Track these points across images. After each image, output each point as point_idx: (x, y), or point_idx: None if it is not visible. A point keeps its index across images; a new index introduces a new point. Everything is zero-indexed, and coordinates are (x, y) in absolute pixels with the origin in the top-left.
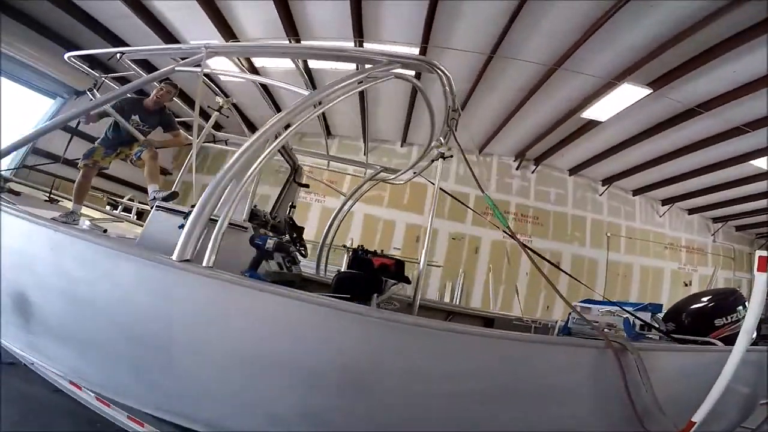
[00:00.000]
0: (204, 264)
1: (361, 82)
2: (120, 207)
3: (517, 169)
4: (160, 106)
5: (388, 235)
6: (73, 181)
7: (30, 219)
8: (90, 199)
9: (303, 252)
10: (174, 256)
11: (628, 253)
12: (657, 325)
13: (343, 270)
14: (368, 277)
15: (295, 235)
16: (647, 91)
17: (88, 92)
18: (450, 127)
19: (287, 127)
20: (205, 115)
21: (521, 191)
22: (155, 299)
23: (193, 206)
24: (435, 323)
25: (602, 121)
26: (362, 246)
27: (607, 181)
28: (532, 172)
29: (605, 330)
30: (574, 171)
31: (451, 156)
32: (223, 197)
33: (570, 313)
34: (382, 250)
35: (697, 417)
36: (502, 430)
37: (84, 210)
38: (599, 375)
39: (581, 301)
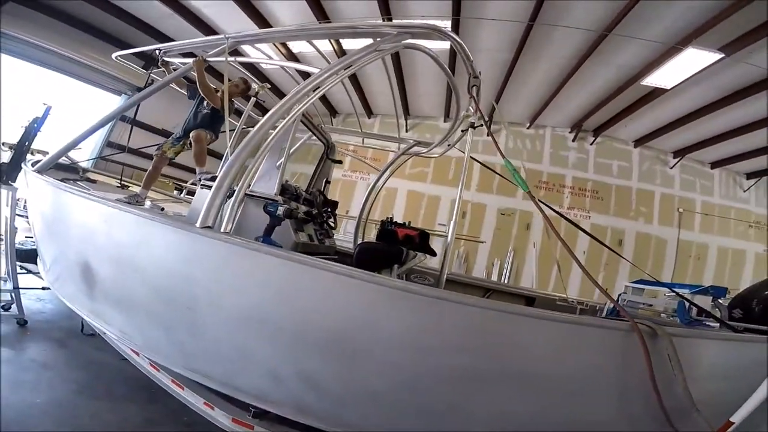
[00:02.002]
0: (222, 230)
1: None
2: (184, 190)
3: (573, 140)
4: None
5: (432, 211)
6: (141, 169)
7: (89, 197)
8: (160, 185)
9: (333, 225)
10: (197, 224)
11: (703, 232)
12: (715, 312)
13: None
14: (388, 247)
15: (327, 209)
16: (718, 55)
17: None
18: (471, 94)
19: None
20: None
21: (578, 164)
22: (182, 262)
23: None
24: (426, 290)
25: (668, 89)
26: (390, 218)
27: (680, 153)
28: (591, 144)
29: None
30: (640, 142)
31: (482, 125)
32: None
33: (620, 295)
34: (409, 222)
35: (737, 417)
36: (495, 412)
37: (152, 194)
38: (621, 362)
39: (633, 282)
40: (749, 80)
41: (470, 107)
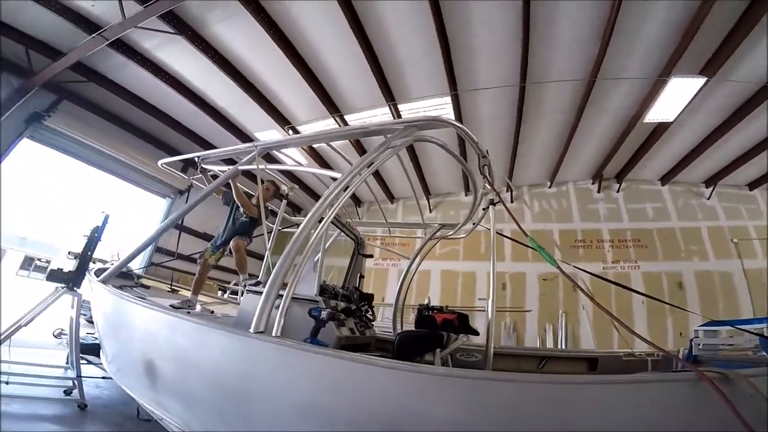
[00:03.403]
0: (273, 334)
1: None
2: (228, 291)
3: (599, 191)
4: (256, 202)
5: (469, 288)
6: (186, 273)
7: (152, 307)
8: (206, 287)
9: (371, 317)
10: (251, 329)
11: None
12: None
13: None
14: (426, 334)
15: (363, 303)
16: (701, 79)
17: (186, 191)
18: (483, 174)
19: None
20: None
21: (610, 215)
22: (237, 362)
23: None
24: (467, 372)
25: (671, 121)
26: (427, 303)
27: (711, 181)
28: (618, 191)
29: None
30: (666, 179)
31: (501, 200)
32: (291, 277)
33: (692, 339)
34: (446, 306)
35: None
36: None
37: (202, 297)
38: (699, 416)
39: (702, 325)
40: (747, 94)
41: (485, 185)
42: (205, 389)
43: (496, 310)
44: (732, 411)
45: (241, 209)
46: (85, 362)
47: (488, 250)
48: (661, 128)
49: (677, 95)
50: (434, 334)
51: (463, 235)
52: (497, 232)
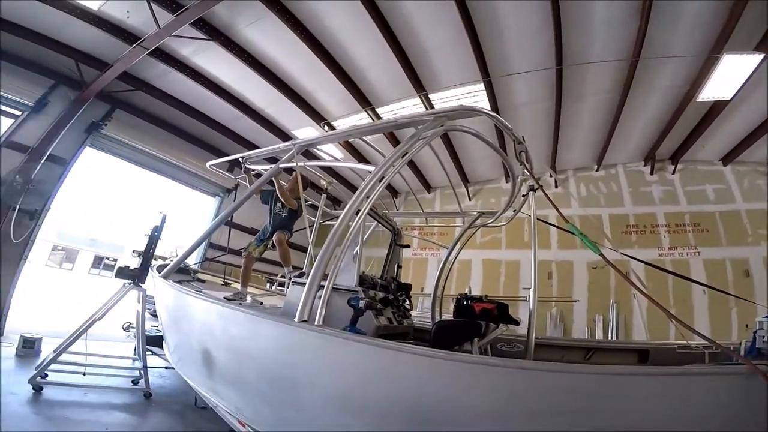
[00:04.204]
0: (316, 323)
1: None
2: (275, 284)
3: (652, 173)
4: (295, 195)
5: (513, 277)
6: (237, 266)
7: (208, 299)
8: (255, 280)
9: (408, 306)
10: (296, 318)
11: None
12: None
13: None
14: (464, 323)
15: (401, 293)
16: (757, 56)
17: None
18: (521, 161)
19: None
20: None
21: (666, 198)
22: (284, 351)
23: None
24: (502, 361)
25: (729, 99)
26: (466, 293)
27: None
28: (673, 173)
29: None
30: (728, 159)
31: (541, 186)
32: (331, 268)
33: (755, 331)
34: (486, 296)
35: None
36: None
37: (250, 289)
38: (748, 413)
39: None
40: None
41: (524, 171)
42: (256, 377)
43: (541, 300)
44: None
45: (279, 204)
46: (150, 353)
47: (532, 237)
48: (718, 106)
49: (732, 72)
50: (472, 323)
51: (504, 223)
52: (539, 219)
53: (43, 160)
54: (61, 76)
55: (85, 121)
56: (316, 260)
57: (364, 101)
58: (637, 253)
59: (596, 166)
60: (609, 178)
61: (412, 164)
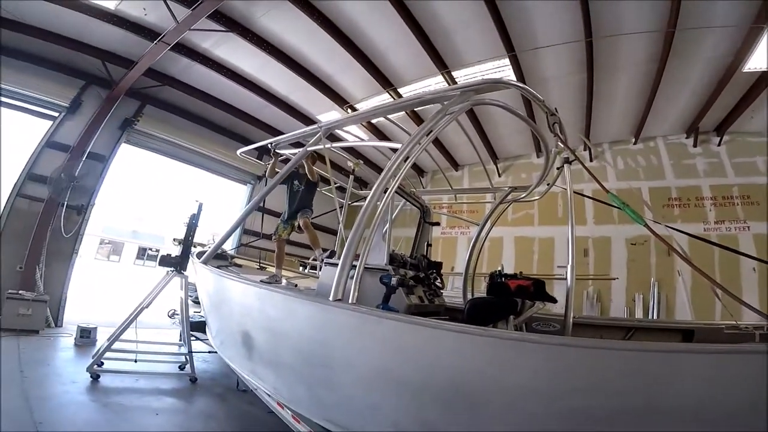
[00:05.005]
0: (350, 301)
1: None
2: (308, 266)
3: (695, 145)
4: (304, 171)
5: (547, 254)
6: (271, 251)
7: (246, 282)
8: (288, 263)
9: (439, 285)
10: (330, 297)
11: None
12: None
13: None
14: (499, 300)
15: (431, 271)
16: None
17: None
18: (554, 132)
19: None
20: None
21: (711, 170)
22: (319, 330)
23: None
24: (541, 338)
25: None
26: (499, 271)
27: None
28: (719, 145)
29: None
30: None
31: (577, 158)
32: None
33: None
34: (521, 272)
35: None
36: None
37: (285, 272)
38: None
39: None
40: None
41: (558, 143)
42: (293, 357)
43: (577, 278)
44: None
45: (296, 182)
46: (195, 338)
47: (566, 213)
48: (766, 76)
49: None
50: (507, 300)
51: (537, 198)
52: (576, 192)
53: (84, 158)
54: (91, 76)
55: (118, 118)
56: (348, 240)
57: (386, 83)
58: (681, 227)
59: (634, 139)
60: (648, 151)
61: (438, 142)
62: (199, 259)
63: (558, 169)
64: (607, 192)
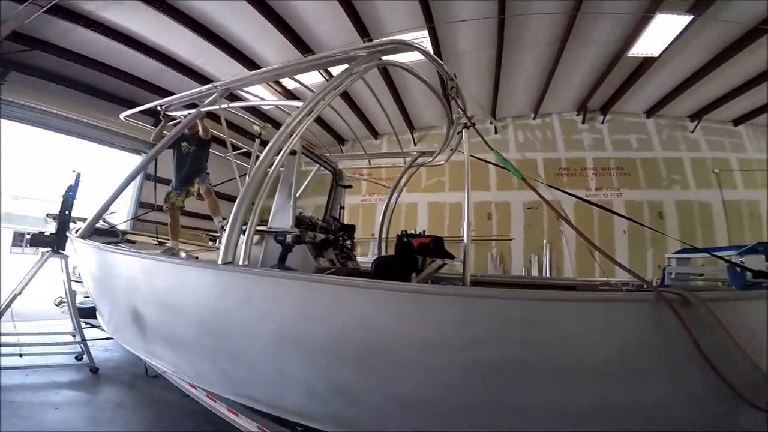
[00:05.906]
0: (241, 263)
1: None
2: (217, 240)
3: (583, 122)
4: (193, 132)
5: (457, 218)
6: (166, 224)
7: (127, 252)
8: (197, 238)
9: (350, 246)
10: (219, 261)
11: (749, 188)
12: None
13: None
14: (402, 257)
15: (343, 233)
16: (687, 17)
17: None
18: (451, 95)
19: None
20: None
21: (595, 145)
22: (212, 297)
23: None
24: (437, 288)
25: (657, 57)
26: (405, 231)
27: (696, 116)
28: (602, 123)
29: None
30: (651, 112)
31: (473, 124)
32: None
33: (664, 269)
34: (424, 231)
35: None
36: (525, 402)
37: (188, 247)
38: (661, 337)
39: (676, 252)
40: (736, 35)
41: (459, 109)
42: (190, 330)
43: (481, 239)
44: (686, 333)
45: (184, 144)
46: (89, 326)
47: (476, 180)
48: (647, 63)
49: (663, 31)
50: (409, 257)
51: (442, 162)
52: (472, 155)
53: None
54: None
55: None
56: (237, 199)
57: (306, 49)
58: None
59: (533, 115)
60: (545, 126)
61: (357, 110)
62: (77, 234)
63: (458, 133)
64: (491, 149)
